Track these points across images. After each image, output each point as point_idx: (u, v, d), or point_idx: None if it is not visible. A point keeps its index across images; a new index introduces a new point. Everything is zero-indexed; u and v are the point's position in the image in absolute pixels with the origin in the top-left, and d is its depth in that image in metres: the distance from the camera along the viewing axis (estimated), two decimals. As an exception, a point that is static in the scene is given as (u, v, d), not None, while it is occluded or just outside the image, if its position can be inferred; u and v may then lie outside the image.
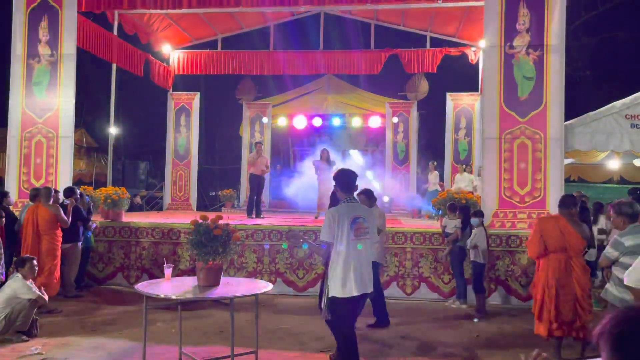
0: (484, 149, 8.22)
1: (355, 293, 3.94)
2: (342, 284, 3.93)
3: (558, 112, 7.91)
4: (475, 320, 6.66)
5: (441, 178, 13.01)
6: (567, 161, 9.75)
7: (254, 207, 10.38)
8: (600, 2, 19.08)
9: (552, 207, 7.79)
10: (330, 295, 3.98)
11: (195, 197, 13.94)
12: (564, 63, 8.01)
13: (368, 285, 4.06)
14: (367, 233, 4.05)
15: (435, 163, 13.08)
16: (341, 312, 4.00)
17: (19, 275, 5.63)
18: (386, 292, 7.85)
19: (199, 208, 14.02)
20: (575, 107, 9.59)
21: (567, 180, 10.19)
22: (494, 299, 7.66)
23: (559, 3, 7.98)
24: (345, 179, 4.21)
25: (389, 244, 7.90)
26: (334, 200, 4.65)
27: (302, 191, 11.94)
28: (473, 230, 7.01)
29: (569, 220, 5.02)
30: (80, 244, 7.66)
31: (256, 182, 10.46)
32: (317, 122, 15.40)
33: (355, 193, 4.38)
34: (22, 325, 5.49)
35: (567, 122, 8.08)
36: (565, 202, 5.16)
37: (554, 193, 7.82)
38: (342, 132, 15.79)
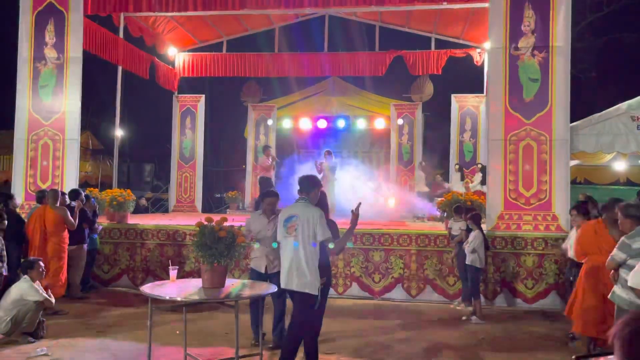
0: (489, 151, 8.20)
1: (283, 285, 4.33)
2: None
3: (564, 113, 7.88)
4: (473, 319, 6.62)
5: (446, 180, 12.98)
6: (573, 163, 9.72)
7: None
8: (606, 3, 18.99)
9: (558, 209, 7.77)
10: None
11: (200, 199, 13.97)
12: (570, 64, 7.98)
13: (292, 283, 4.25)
14: (296, 231, 4.23)
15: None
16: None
17: (27, 277, 5.66)
18: (391, 294, 7.88)
19: (204, 210, 14.04)
20: (581, 108, 9.53)
21: (573, 182, 10.15)
22: (500, 302, 7.63)
23: (565, 4, 7.95)
24: (301, 180, 4.53)
25: (394, 246, 7.89)
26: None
27: None
28: (471, 234, 6.95)
29: (610, 223, 4.98)
30: (85, 246, 7.70)
31: (269, 185, 10.51)
32: (322, 124, 15.42)
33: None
34: (29, 326, 5.52)
35: (573, 124, 8.05)
36: (607, 206, 5.16)
37: (560, 195, 7.79)
38: (347, 134, 15.79)
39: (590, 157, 9.80)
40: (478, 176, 11.73)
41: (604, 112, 8.16)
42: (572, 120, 8.01)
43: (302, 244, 4.21)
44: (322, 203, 4.63)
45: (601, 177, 12.24)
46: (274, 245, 4.72)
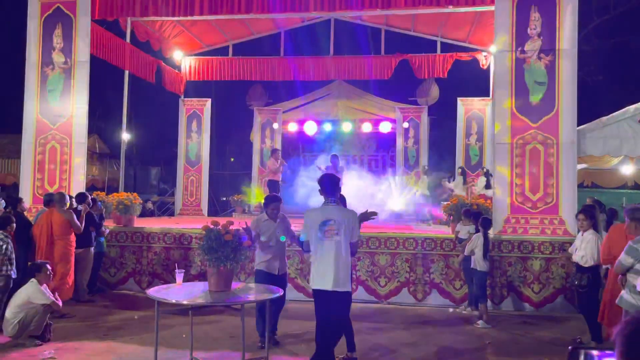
0: (496, 155, 8.17)
1: (318, 287, 4.29)
2: (312, 277, 4.37)
3: (570, 117, 7.84)
4: (479, 323, 6.60)
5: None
6: (580, 166, 9.67)
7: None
8: (612, 6, 18.93)
9: (565, 213, 7.73)
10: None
11: (206, 202, 14.00)
12: (576, 68, 7.95)
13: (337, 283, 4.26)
14: (335, 234, 4.28)
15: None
16: (315, 303, 4.41)
17: (34, 280, 5.69)
18: (397, 298, 7.86)
19: (210, 213, 14.08)
20: (588, 111, 9.49)
21: (580, 186, 10.11)
22: (506, 306, 7.59)
23: (571, 7, 7.92)
24: (325, 182, 4.46)
25: (400, 250, 7.88)
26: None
27: (312, 196, 11.92)
28: (473, 235, 6.93)
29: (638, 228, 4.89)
30: (92, 249, 7.73)
31: (276, 188, 10.54)
32: (328, 127, 15.43)
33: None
34: (36, 329, 5.54)
35: (580, 127, 8.01)
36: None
37: (567, 199, 7.75)
38: (353, 137, 15.79)
39: (598, 161, 9.76)
40: (482, 180, 11.72)
41: (611, 115, 8.11)
42: (579, 124, 7.97)
43: (343, 246, 4.29)
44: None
45: (608, 180, 12.18)
46: (282, 238, 4.97)
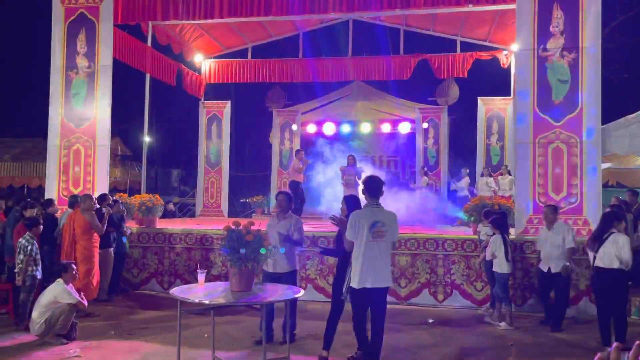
0: (517, 154, 8.06)
1: (368, 285, 4.48)
2: (358, 277, 4.50)
3: (594, 115, 7.70)
4: (502, 325, 6.52)
5: (473, 184, 12.84)
6: (605, 166, 9.49)
7: (296, 213, 10.42)
8: (636, 2, 18.53)
9: (589, 213, 7.59)
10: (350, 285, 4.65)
11: (226, 203, 14.13)
12: (600, 65, 7.80)
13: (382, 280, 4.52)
14: (384, 236, 4.51)
15: (467, 170, 12.93)
16: (354, 301, 4.63)
17: (60, 280, 5.80)
18: (417, 299, 7.81)
19: (230, 214, 14.19)
20: (612, 110, 9.31)
21: (605, 186, 9.90)
22: (529, 307, 7.48)
23: (594, 4, 7.79)
24: (372, 184, 4.67)
25: (420, 250, 7.83)
26: (350, 204, 5.12)
27: (330, 197, 11.93)
28: (491, 238, 6.83)
29: None
30: (112, 249, 7.83)
31: (299, 189, 10.55)
32: (346, 128, 15.42)
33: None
34: (62, 328, 5.65)
35: (605, 126, 7.89)
36: None
37: (591, 199, 7.61)
38: (372, 138, 15.75)
39: (623, 160, 9.56)
40: (485, 179, 11.64)
41: (636, 113, 7.95)
42: (603, 122, 7.83)
43: (389, 247, 4.65)
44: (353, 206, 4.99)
45: (634, 180, 11.89)
46: (282, 250, 5.06)
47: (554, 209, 6.76)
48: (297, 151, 11.54)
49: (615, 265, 5.46)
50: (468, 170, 13.24)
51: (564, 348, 5.83)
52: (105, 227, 7.25)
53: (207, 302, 4.25)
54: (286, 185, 14.98)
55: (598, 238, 5.64)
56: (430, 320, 6.90)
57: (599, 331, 5.71)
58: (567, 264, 6.41)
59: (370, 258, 4.46)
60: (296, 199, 10.56)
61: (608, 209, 5.89)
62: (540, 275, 6.83)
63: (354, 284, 4.52)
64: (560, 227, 6.59)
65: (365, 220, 4.48)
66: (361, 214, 4.57)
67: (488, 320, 6.84)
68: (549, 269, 6.55)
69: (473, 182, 12.98)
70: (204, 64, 13.93)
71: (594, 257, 5.66)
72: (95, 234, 7.13)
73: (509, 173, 11.64)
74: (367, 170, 11.83)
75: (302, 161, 10.67)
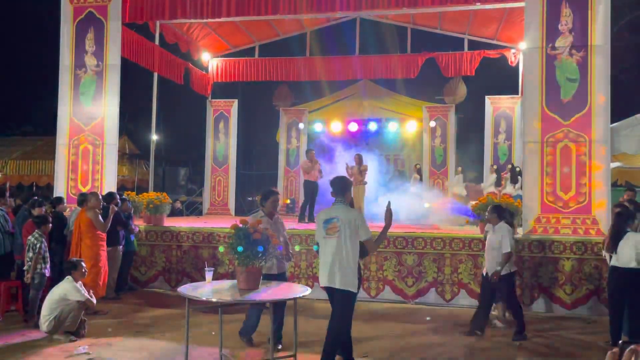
0: (525, 153, 8.03)
1: (322, 284, 4.47)
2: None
3: (604, 114, 7.65)
4: (500, 325, 6.48)
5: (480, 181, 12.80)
6: (614, 165, 9.42)
7: (307, 212, 10.41)
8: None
9: (598, 213, 7.54)
10: None
11: (233, 202, 14.15)
12: (609, 63, 7.74)
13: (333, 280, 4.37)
14: (337, 231, 4.37)
15: (460, 168, 12.97)
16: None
17: (70, 277, 5.85)
18: (424, 298, 7.80)
19: (237, 213, 14.21)
20: (622, 108, 9.23)
21: (614, 185, 9.83)
22: (537, 307, 7.45)
23: (603, 2, 7.73)
24: (335, 183, 4.65)
25: (427, 249, 7.81)
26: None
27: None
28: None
29: None
30: (120, 247, 7.86)
31: (311, 189, 10.53)
32: (353, 127, 15.41)
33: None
34: (71, 325, 5.70)
35: (614, 125, 7.82)
36: None
37: (600, 198, 7.57)
38: (379, 137, 15.73)
39: (632, 159, 9.49)
40: (492, 177, 11.57)
41: (646, 112, 7.89)
42: (612, 121, 7.77)
43: (344, 244, 4.37)
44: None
45: (644, 179, 11.79)
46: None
47: (494, 208, 6.29)
48: (308, 151, 11.52)
49: (633, 264, 5.42)
50: (461, 169, 13.21)
51: (573, 348, 5.80)
52: (109, 225, 7.20)
53: (214, 300, 4.27)
54: (292, 183, 15.07)
55: (615, 238, 5.60)
56: (428, 318, 6.92)
57: (608, 331, 5.68)
58: (499, 268, 5.92)
59: (324, 255, 4.43)
60: (307, 200, 10.56)
61: (619, 209, 5.82)
62: (482, 279, 6.48)
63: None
64: (500, 228, 6.08)
65: (323, 216, 4.53)
66: (322, 212, 4.61)
67: (494, 313, 6.80)
68: (487, 273, 6.17)
69: (480, 180, 12.94)
70: (211, 62, 13.96)
71: (610, 257, 5.63)
72: (100, 232, 7.13)
73: (496, 172, 11.68)
74: (372, 169, 11.85)
75: (312, 161, 10.65)
